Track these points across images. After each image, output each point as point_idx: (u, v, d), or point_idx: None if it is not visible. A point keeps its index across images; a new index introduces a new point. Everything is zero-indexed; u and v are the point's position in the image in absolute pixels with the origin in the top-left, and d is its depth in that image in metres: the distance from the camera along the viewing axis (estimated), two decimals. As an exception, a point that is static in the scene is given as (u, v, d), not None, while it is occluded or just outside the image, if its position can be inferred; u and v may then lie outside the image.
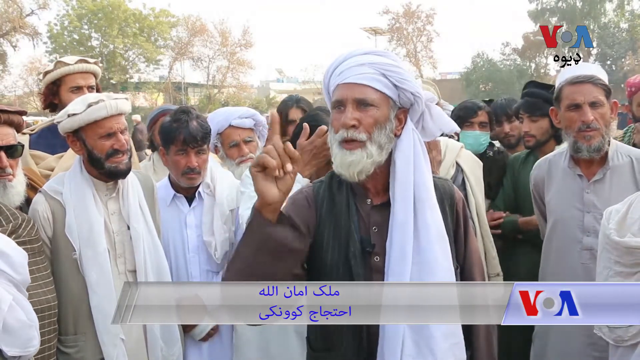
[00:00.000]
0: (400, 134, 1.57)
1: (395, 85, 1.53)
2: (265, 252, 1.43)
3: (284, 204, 1.61)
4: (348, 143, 1.51)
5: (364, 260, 1.56)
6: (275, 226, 1.43)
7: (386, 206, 1.58)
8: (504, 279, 2.72)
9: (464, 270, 1.70)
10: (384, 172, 1.58)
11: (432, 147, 2.38)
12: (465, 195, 2.62)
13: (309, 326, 1.71)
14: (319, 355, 1.65)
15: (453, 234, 1.64)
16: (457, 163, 2.76)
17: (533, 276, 2.60)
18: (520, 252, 2.92)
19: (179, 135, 2.33)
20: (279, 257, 1.45)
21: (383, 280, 1.53)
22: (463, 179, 2.68)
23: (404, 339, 1.49)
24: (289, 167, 1.36)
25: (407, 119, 1.59)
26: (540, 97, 2.95)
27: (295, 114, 3.02)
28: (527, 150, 3.14)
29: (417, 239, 1.52)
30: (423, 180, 1.56)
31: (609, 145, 2.27)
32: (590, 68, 2.32)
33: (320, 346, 1.64)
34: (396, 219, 1.53)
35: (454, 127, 1.70)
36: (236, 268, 1.47)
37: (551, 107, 2.40)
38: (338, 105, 1.54)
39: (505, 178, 3.08)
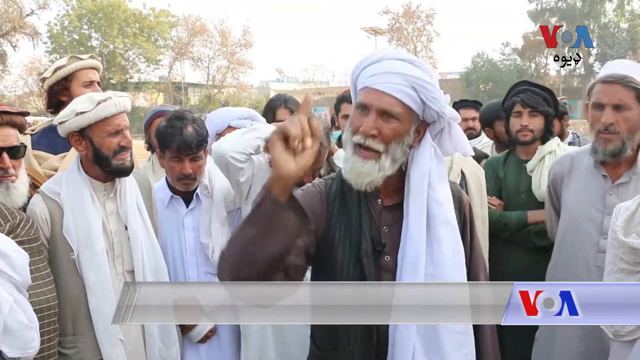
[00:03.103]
0: (418, 146, 1.56)
1: (422, 101, 1.50)
2: (272, 235, 1.36)
3: (299, 195, 1.60)
4: (362, 150, 1.50)
5: (375, 259, 1.55)
6: (286, 209, 1.37)
7: (397, 207, 1.58)
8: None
9: (469, 273, 1.69)
10: (396, 176, 1.56)
11: None
12: None
13: (313, 325, 1.71)
14: (324, 353, 1.64)
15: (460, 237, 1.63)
16: (462, 171, 2.75)
17: (522, 278, 2.59)
18: (508, 254, 2.91)
19: (172, 143, 2.31)
20: (283, 243, 1.38)
21: (393, 279, 1.53)
22: (465, 188, 2.65)
23: (415, 348, 1.48)
24: (308, 141, 1.30)
25: (426, 132, 1.57)
26: (540, 95, 2.95)
27: (283, 115, 3.00)
28: (506, 152, 3.17)
29: (430, 253, 1.52)
30: (436, 195, 1.55)
31: (634, 149, 2.17)
32: (628, 67, 2.19)
33: (327, 345, 1.63)
34: (410, 232, 1.53)
35: (469, 150, 1.69)
36: (237, 247, 1.39)
37: (587, 102, 2.30)
38: (362, 108, 1.52)
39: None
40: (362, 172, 1.49)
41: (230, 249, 1.41)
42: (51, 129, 2.84)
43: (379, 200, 1.61)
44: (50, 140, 2.70)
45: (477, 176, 2.76)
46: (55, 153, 2.67)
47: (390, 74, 1.49)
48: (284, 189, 1.34)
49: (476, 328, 1.66)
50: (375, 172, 1.49)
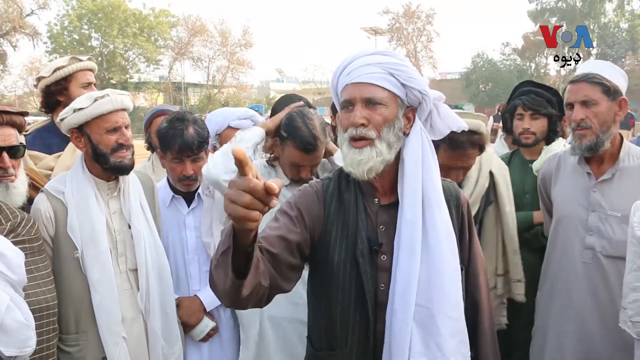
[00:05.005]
0: (409, 133, 1.58)
1: (402, 84, 1.53)
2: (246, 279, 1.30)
3: (297, 197, 1.63)
4: (356, 141, 1.52)
5: (371, 258, 1.56)
6: (243, 282, 1.28)
7: (394, 206, 1.59)
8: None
9: (469, 271, 1.71)
10: (392, 171, 1.58)
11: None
12: (496, 203, 2.59)
13: (310, 325, 1.72)
14: (322, 354, 1.64)
15: (458, 236, 1.64)
16: (490, 172, 2.71)
17: (528, 278, 2.62)
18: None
19: (174, 144, 2.32)
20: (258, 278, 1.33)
21: (389, 279, 1.54)
22: (494, 188, 2.61)
23: (412, 337, 1.49)
24: (273, 203, 1.11)
25: (415, 117, 1.60)
26: (543, 97, 2.96)
27: None
28: (510, 152, 3.19)
29: (425, 237, 1.53)
30: (431, 179, 1.56)
31: (616, 144, 2.23)
32: (595, 66, 2.26)
33: (324, 345, 1.63)
34: (405, 217, 1.53)
35: (462, 124, 1.70)
36: (220, 287, 1.31)
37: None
38: (347, 105, 1.55)
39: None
40: (361, 160, 1.51)
41: (213, 282, 1.33)
42: (45, 129, 2.83)
43: (376, 199, 1.62)
44: (45, 141, 2.69)
45: (503, 175, 2.72)
46: (50, 153, 2.66)
47: (365, 66, 1.54)
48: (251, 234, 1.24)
49: (475, 328, 1.67)
50: (374, 158, 1.51)
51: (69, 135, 2.17)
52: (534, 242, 2.88)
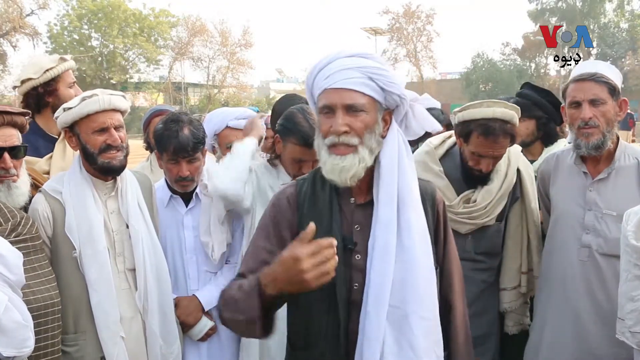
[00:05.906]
0: (386, 135, 1.57)
1: (382, 88, 1.53)
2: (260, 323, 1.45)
3: (269, 210, 1.64)
4: (337, 148, 1.51)
5: (345, 258, 1.56)
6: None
7: (369, 205, 1.59)
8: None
9: (443, 270, 1.71)
10: (368, 172, 1.57)
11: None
12: (522, 200, 2.59)
13: (289, 325, 1.71)
14: (297, 353, 1.66)
15: (433, 235, 1.64)
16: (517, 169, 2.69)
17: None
18: None
19: (169, 145, 2.32)
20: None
21: (363, 278, 1.54)
22: (521, 185, 2.60)
23: (385, 337, 1.49)
24: (333, 263, 1.35)
25: (392, 119, 1.59)
26: (529, 99, 2.98)
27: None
28: None
29: (400, 238, 1.53)
30: (407, 181, 1.56)
31: (614, 143, 2.25)
32: (596, 65, 2.27)
33: (300, 344, 1.64)
34: (379, 218, 1.53)
35: (436, 126, 1.69)
36: (233, 321, 1.52)
37: (561, 105, 2.40)
38: (326, 111, 1.53)
39: None
40: (343, 167, 1.50)
41: (226, 314, 1.53)
42: (31, 131, 2.78)
43: (352, 199, 1.61)
44: (32, 144, 2.65)
45: (528, 172, 2.72)
46: (39, 155, 2.61)
47: (345, 70, 1.52)
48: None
49: (448, 328, 1.67)
50: (356, 165, 1.50)
51: (56, 137, 2.16)
52: None
